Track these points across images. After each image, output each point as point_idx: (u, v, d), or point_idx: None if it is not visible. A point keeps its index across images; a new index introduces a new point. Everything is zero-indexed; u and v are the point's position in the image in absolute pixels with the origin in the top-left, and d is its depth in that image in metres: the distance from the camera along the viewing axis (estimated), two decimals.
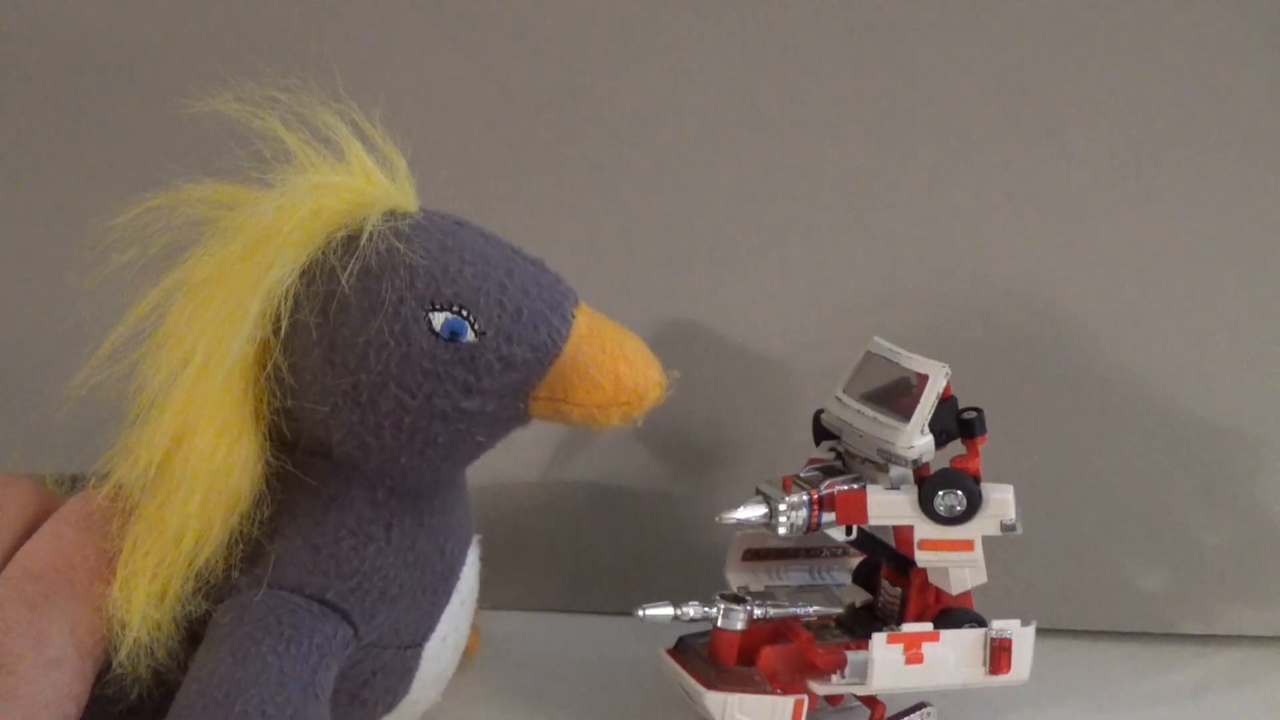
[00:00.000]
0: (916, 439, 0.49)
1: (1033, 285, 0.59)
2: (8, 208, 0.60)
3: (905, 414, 0.49)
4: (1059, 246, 0.59)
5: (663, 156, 0.59)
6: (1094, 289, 0.59)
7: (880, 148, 0.59)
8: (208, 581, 0.43)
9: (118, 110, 0.58)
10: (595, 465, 0.62)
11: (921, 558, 0.50)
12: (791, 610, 0.52)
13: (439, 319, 0.41)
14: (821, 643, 0.52)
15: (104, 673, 0.43)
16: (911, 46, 0.58)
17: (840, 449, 0.52)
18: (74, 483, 0.47)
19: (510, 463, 0.61)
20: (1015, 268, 0.59)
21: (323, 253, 0.42)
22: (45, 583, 0.42)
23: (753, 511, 0.50)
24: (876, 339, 0.52)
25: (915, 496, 0.50)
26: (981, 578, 0.51)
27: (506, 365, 0.42)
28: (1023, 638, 0.50)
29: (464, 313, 0.42)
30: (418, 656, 0.46)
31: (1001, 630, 0.50)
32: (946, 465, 0.50)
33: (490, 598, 0.59)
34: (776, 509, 0.50)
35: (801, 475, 0.51)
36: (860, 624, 0.53)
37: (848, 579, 0.56)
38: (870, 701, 0.52)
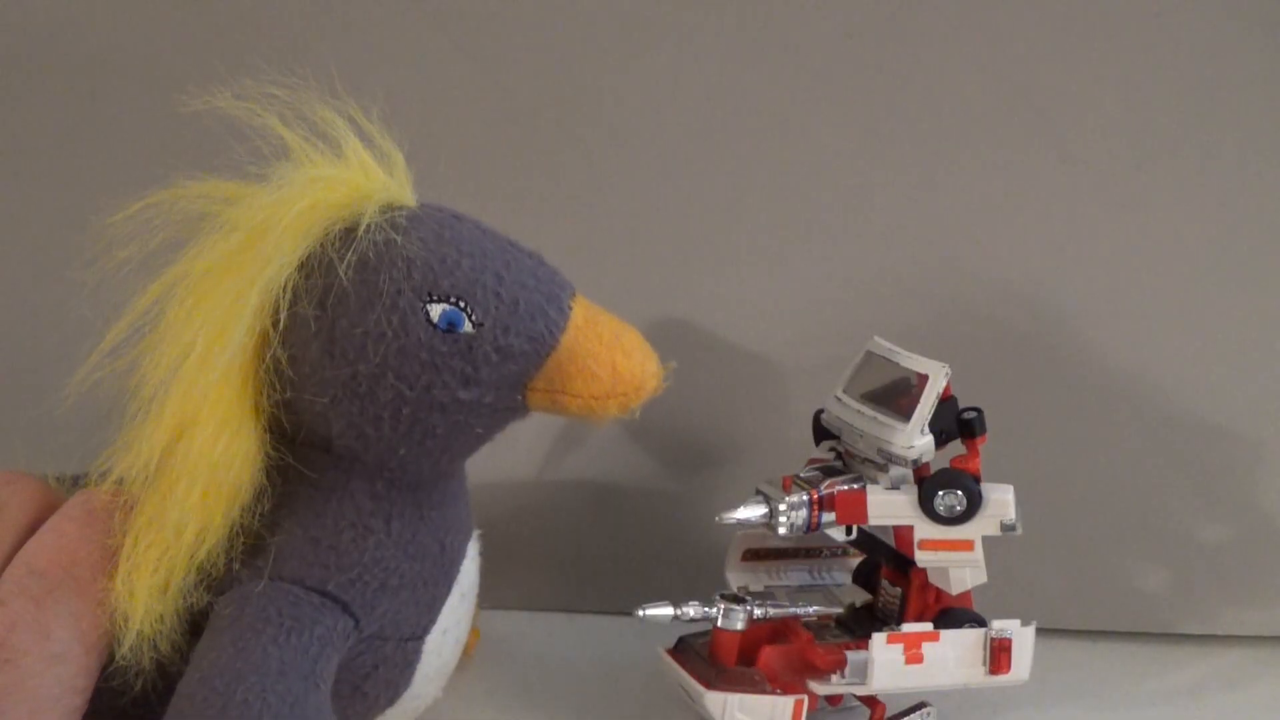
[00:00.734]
0: (916, 439, 0.49)
1: (1033, 285, 0.59)
2: (8, 206, 0.60)
3: (905, 414, 0.49)
4: (1059, 246, 0.59)
5: (662, 155, 0.59)
6: (1094, 289, 0.59)
7: (880, 148, 0.59)
8: (209, 574, 0.43)
9: (117, 108, 0.58)
10: (595, 465, 0.62)
11: (921, 558, 0.50)
12: (791, 610, 0.52)
13: (436, 310, 0.42)
14: (821, 643, 0.52)
15: (108, 666, 0.43)
16: (910, 47, 0.58)
17: (840, 449, 0.52)
18: (75, 482, 0.47)
19: (510, 462, 0.61)
20: (1015, 267, 0.59)
21: (321, 245, 0.42)
22: (49, 579, 0.42)
23: (753, 511, 0.50)
24: (876, 339, 0.52)
25: (915, 496, 0.50)
26: (981, 578, 0.51)
27: (504, 356, 0.42)
28: (1023, 638, 0.50)
29: (461, 304, 0.42)
30: (419, 650, 0.46)
31: (1001, 630, 0.50)
32: (946, 465, 0.50)
33: (490, 597, 0.59)
34: (776, 509, 0.50)
35: (801, 475, 0.51)
36: (860, 624, 0.53)
37: (848, 579, 0.56)
38: (870, 701, 0.52)
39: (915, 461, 0.50)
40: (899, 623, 0.52)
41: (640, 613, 0.50)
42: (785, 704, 0.49)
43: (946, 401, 0.50)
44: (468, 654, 0.57)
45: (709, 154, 0.59)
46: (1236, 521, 0.61)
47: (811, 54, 0.58)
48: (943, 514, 0.50)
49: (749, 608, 0.51)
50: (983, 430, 0.50)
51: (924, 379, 0.50)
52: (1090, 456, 0.60)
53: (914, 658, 0.50)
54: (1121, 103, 0.58)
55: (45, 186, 0.59)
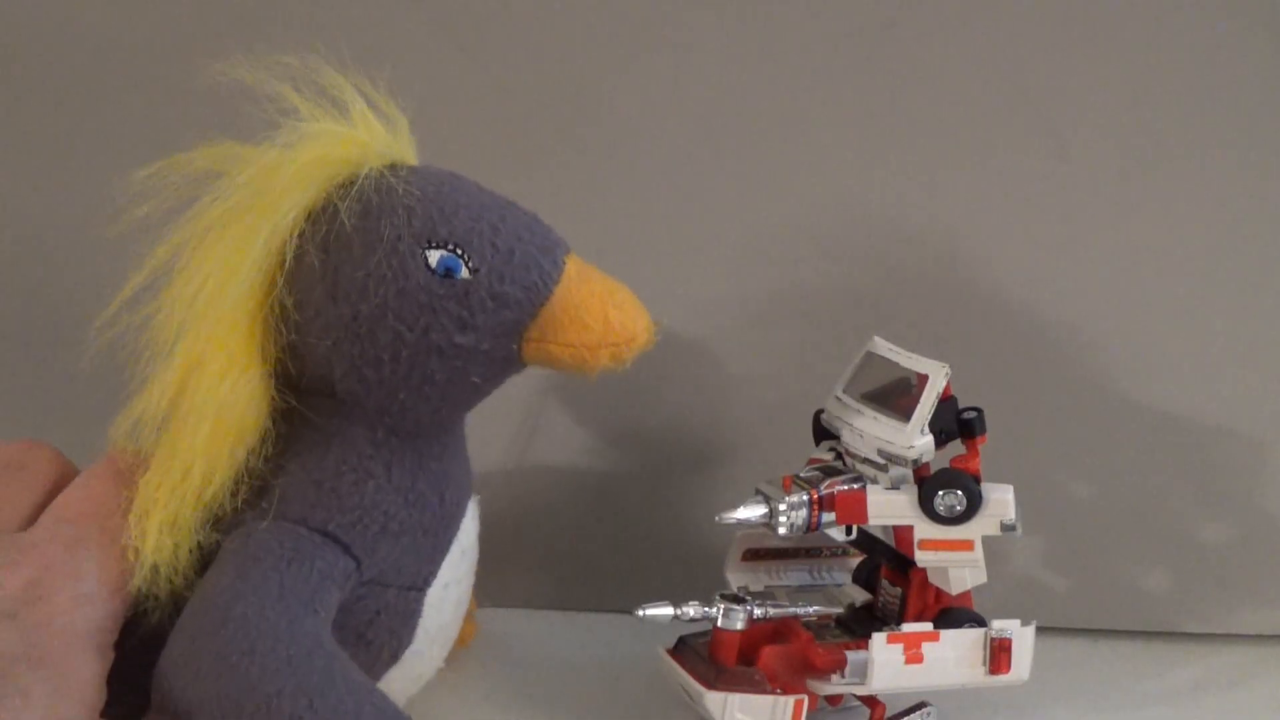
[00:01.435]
0: (916, 439, 0.49)
1: (1033, 285, 0.59)
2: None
3: (905, 414, 0.49)
4: (1059, 246, 0.59)
5: (661, 154, 0.59)
6: (1094, 288, 0.59)
7: (879, 147, 0.59)
8: (217, 514, 0.44)
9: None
10: (595, 464, 0.62)
11: (921, 558, 0.50)
12: (791, 610, 0.52)
13: (434, 256, 0.43)
14: (821, 643, 0.52)
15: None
16: (910, 46, 0.58)
17: (840, 449, 0.52)
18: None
19: (510, 461, 0.61)
20: (1015, 267, 0.59)
21: (326, 195, 0.44)
22: (78, 527, 0.44)
23: (753, 511, 0.50)
24: (876, 339, 0.52)
25: (915, 496, 0.50)
26: (981, 578, 0.51)
27: (499, 303, 0.44)
28: (1023, 638, 0.50)
29: (458, 250, 0.44)
30: (420, 601, 0.47)
31: (1001, 630, 0.50)
32: (946, 465, 0.50)
33: (490, 596, 0.59)
34: (776, 509, 0.50)
35: (801, 475, 0.51)
36: (860, 624, 0.53)
37: (848, 579, 0.56)
38: (870, 701, 0.52)
39: (915, 461, 0.50)
40: (899, 623, 0.52)
41: (640, 613, 0.50)
42: (785, 704, 0.49)
43: (946, 401, 0.50)
44: (464, 644, 0.57)
45: (708, 153, 0.59)
46: (1237, 521, 0.61)
47: (811, 54, 0.58)
48: (943, 514, 0.50)
49: (749, 608, 0.51)
50: (983, 430, 0.50)
51: (924, 379, 0.50)
52: (1090, 456, 0.60)
53: (914, 658, 0.50)
54: (1122, 103, 0.58)
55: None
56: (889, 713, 0.52)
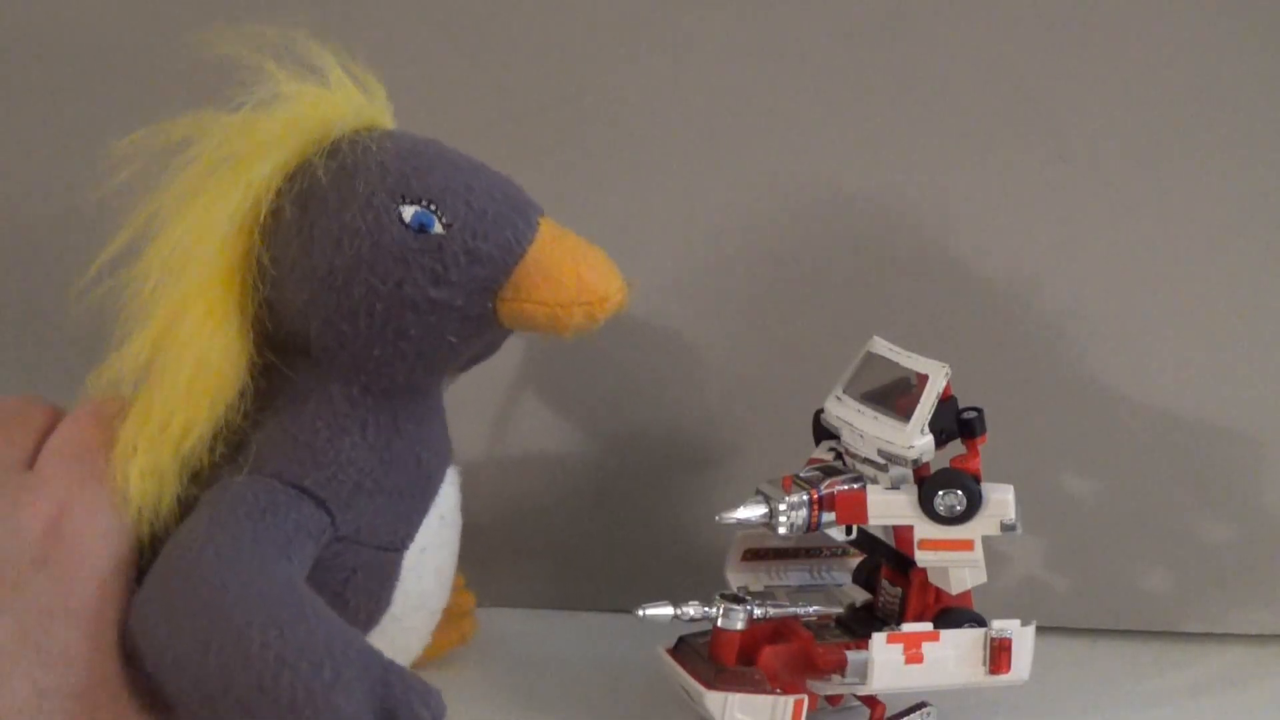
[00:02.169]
0: (916, 439, 0.49)
1: (1033, 285, 0.59)
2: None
3: (905, 414, 0.49)
4: (1059, 245, 0.59)
5: (660, 153, 0.59)
6: (1095, 288, 0.59)
7: (879, 147, 0.59)
8: (195, 470, 0.45)
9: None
10: (595, 464, 0.62)
11: (921, 558, 0.50)
12: (791, 610, 0.52)
13: (409, 211, 0.44)
14: (821, 643, 0.52)
15: None
16: (910, 46, 0.58)
17: (840, 449, 0.52)
18: None
19: (511, 459, 0.61)
20: (1015, 267, 0.59)
21: (302, 153, 0.45)
22: (83, 464, 0.44)
23: (753, 511, 0.50)
24: (876, 339, 0.52)
25: (915, 496, 0.50)
26: (981, 578, 0.51)
27: (472, 259, 0.45)
28: (1023, 638, 0.50)
29: (432, 206, 0.44)
30: (396, 564, 0.48)
31: (1001, 630, 0.50)
32: (946, 465, 0.50)
33: (490, 595, 0.59)
34: (776, 509, 0.50)
35: (801, 475, 0.51)
36: (860, 624, 0.53)
37: (848, 579, 0.56)
38: (870, 701, 0.52)
39: (915, 461, 0.50)
40: (899, 623, 0.52)
41: (640, 612, 0.50)
42: (785, 704, 0.49)
43: (946, 401, 0.50)
44: (463, 642, 0.57)
45: (709, 156, 0.59)
46: (1238, 520, 0.61)
47: (812, 52, 0.58)
48: (943, 514, 0.50)
49: (749, 608, 0.51)
50: (983, 430, 0.50)
51: (924, 379, 0.50)
52: (1090, 456, 0.60)
53: (914, 658, 0.50)
54: (1122, 102, 0.58)
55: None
56: (889, 713, 0.52)
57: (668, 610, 0.50)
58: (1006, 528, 0.50)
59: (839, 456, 0.52)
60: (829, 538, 0.55)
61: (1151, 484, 0.60)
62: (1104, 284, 0.59)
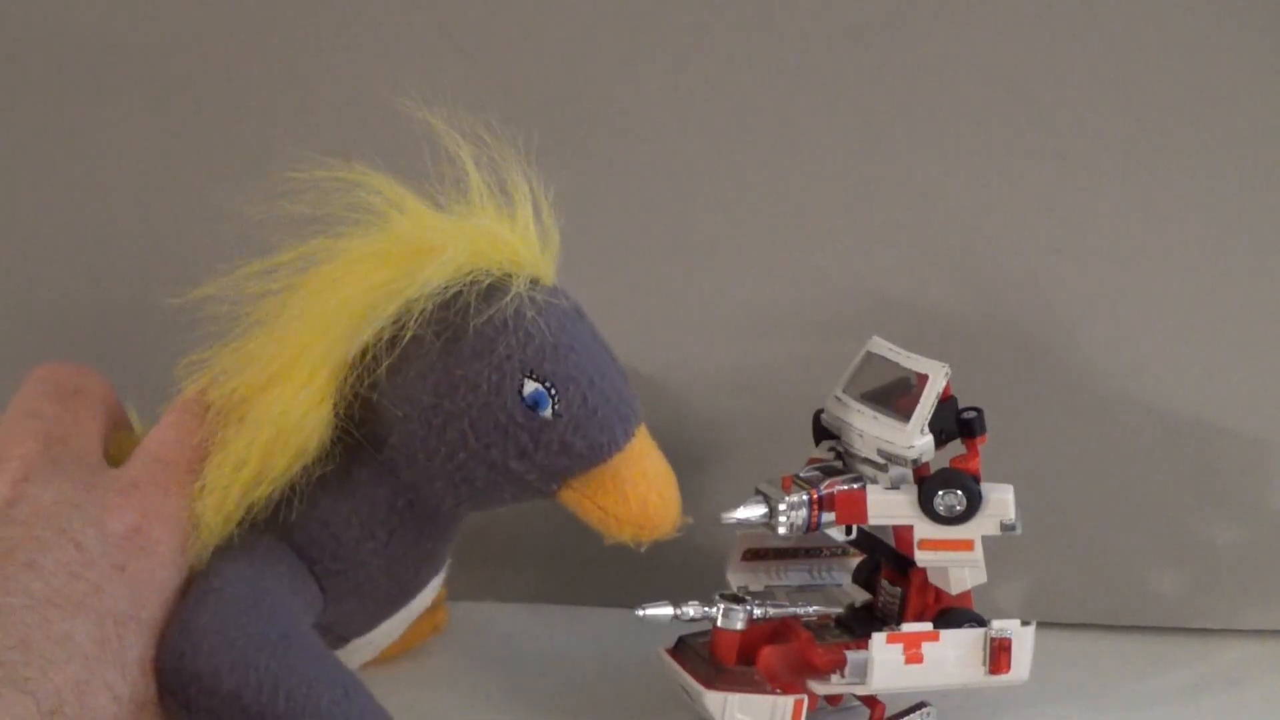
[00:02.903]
0: (916, 439, 0.49)
1: (1033, 284, 0.59)
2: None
3: (905, 414, 0.49)
4: (1060, 245, 0.59)
5: (661, 154, 0.59)
6: (1094, 288, 0.59)
7: (877, 147, 0.59)
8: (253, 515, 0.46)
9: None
10: None
11: (921, 558, 0.50)
12: (791, 610, 0.52)
13: (530, 387, 0.45)
14: (821, 643, 0.52)
15: None
16: (910, 46, 0.58)
17: (840, 449, 0.52)
18: None
19: None
20: (1016, 267, 0.59)
21: (462, 285, 0.45)
22: (173, 468, 0.44)
23: (753, 511, 0.50)
24: (876, 338, 0.52)
25: (915, 496, 0.50)
26: (981, 578, 0.51)
27: (563, 450, 0.46)
28: (1023, 637, 0.50)
29: (553, 391, 0.46)
30: (342, 648, 0.50)
31: (1001, 630, 0.50)
32: (946, 465, 0.50)
33: (491, 591, 0.59)
34: (776, 509, 0.50)
35: (801, 475, 0.51)
36: (860, 624, 0.53)
37: (848, 579, 0.56)
38: (870, 701, 0.52)
39: (915, 461, 0.50)
40: (899, 623, 0.52)
41: (640, 613, 0.50)
42: (785, 704, 0.49)
43: (946, 401, 0.50)
44: (436, 632, 0.58)
45: (708, 153, 0.59)
46: (1239, 517, 0.60)
47: (811, 54, 0.58)
48: (942, 514, 0.50)
49: (749, 608, 0.51)
50: (983, 430, 0.50)
51: (924, 379, 0.50)
52: (1091, 455, 0.60)
53: (914, 657, 0.50)
54: (1121, 103, 0.58)
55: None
56: (889, 713, 0.52)
57: (667, 610, 0.50)
58: (1006, 528, 0.50)
59: (839, 456, 0.52)
60: (829, 538, 0.55)
61: (1152, 482, 0.60)
62: (1104, 284, 0.59)
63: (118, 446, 0.48)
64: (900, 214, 0.59)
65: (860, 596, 0.55)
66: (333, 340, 0.44)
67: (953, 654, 0.50)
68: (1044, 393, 0.60)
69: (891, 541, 0.53)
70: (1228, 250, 0.58)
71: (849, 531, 0.55)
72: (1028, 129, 0.58)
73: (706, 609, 0.51)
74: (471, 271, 0.45)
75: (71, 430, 0.45)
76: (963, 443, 0.50)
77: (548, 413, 0.45)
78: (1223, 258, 0.58)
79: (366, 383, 0.45)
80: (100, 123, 0.60)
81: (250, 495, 0.44)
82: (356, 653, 0.50)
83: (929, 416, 0.49)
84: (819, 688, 0.51)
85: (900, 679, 0.50)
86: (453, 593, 0.58)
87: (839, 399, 0.52)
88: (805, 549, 0.56)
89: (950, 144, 0.58)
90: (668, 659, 0.52)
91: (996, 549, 0.51)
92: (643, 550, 0.48)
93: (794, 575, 0.56)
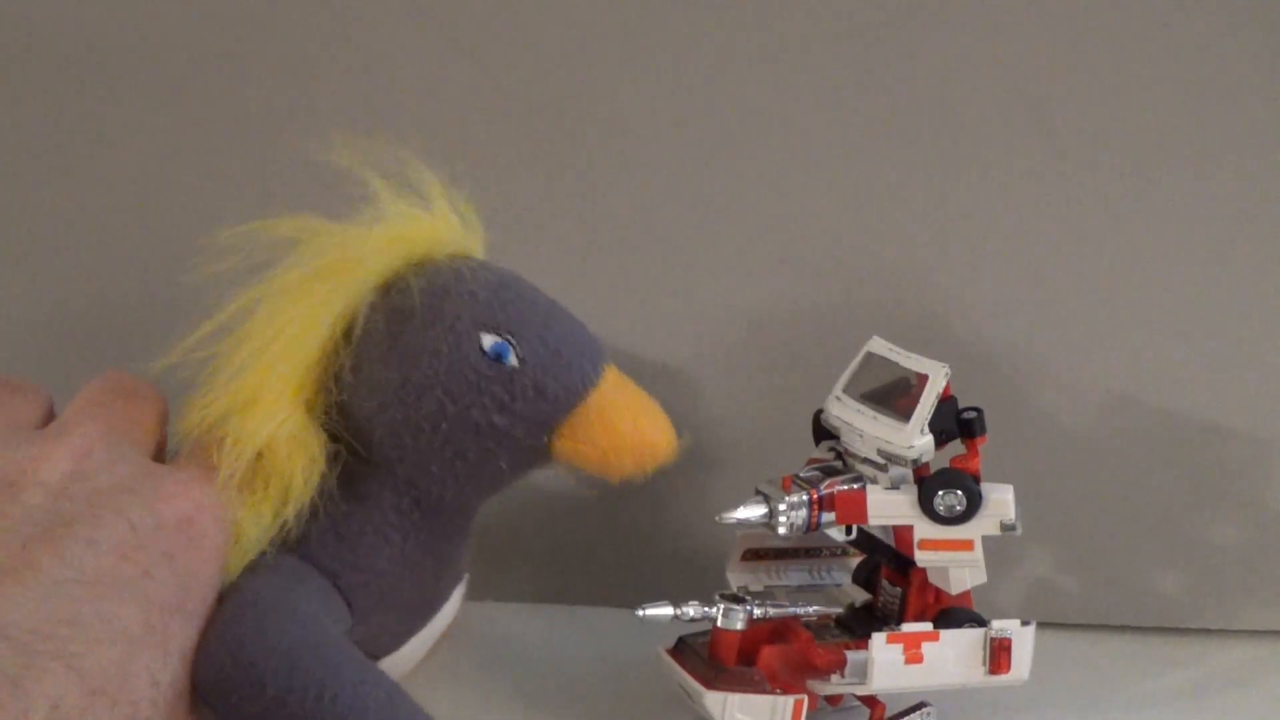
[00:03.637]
0: (916, 439, 0.49)
1: (1033, 284, 0.59)
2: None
3: (905, 414, 0.49)
4: (1059, 245, 0.59)
5: (660, 155, 0.59)
6: (1093, 288, 0.59)
7: (878, 147, 0.59)
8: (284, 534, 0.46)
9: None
10: None
11: (921, 558, 0.50)
12: (791, 610, 0.52)
13: (489, 340, 0.46)
14: (821, 643, 0.52)
15: None
16: (909, 47, 0.58)
17: (840, 449, 0.52)
18: None
19: None
20: (1015, 267, 0.59)
21: (399, 270, 0.47)
22: (217, 472, 0.44)
23: (753, 511, 0.50)
24: (876, 338, 0.52)
25: (915, 496, 0.50)
26: (981, 578, 0.51)
27: (539, 394, 0.46)
28: (1023, 637, 0.50)
29: (511, 339, 0.46)
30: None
31: (1001, 630, 0.50)
32: (946, 465, 0.50)
33: (491, 590, 0.59)
34: (776, 509, 0.50)
35: (801, 475, 0.51)
36: (860, 624, 0.53)
37: (848, 579, 0.56)
38: (870, 701, 0.52)
39: (915, 461, 0.50)
40: (899, 623, 0.52)
41: (640, 613, 0.50)
42: (785, 704, 0.49)
43: (946, 401, 0.50)
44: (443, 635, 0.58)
45: (710, 156, 0.59)
46: (1243, 516, 0.61)
47: (811, 54, 0.58)
48: (942, 514, 0.50)
49: (749, 608, 0.51)
50: (983, 430, 0.50)
51: (924, 379, 0.50)
52: (1091, 455, 0.60)
53: (914, 657, 0.50)
54: (1121, 103, 0.58)
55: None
56: (889, 713, 0.52)
57: (667, 610, 0.50)
58: (1006, 528, 0.50)
59: (839, 456, 0.52)
60: (829, 538, 0.55)
61: (1152, 482, 0.60)
62: (1104, 284, 0.59)
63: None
64: (900, 214, 0.59)
65: (860, 596, 0.55)
66: (291, 363, 0.45)
67: (953, 654, 0.50)
68: (1044, 393, 0.60)
69: (891, 541, 0.53)
70: (1228, 250, 0.58)
71: (849, 531, 0.55)
72: (1028, 129, 0.58)
73: (706, 609, 0.51)
74: (404, 255, 0.47)
75: (131, 425, 0.45)
76: (963, 443, 0.50)
77: (513, 360, 0.46)
78: (1223, 258, 0.58)
79: (337, 393, 0.46)
80: (100, 123, 0.60)
81: (282, 513, 0.45)
82: (394, 669, 0.50)
83: (929, 416, 0.49)
84: (819, 688, 0.51)
85: (900, 679, 0.50)
86: None
87: (839, 399, 0.52)
88: (805, 549, 0.56)
89: (950, 144, 0.58)
90: (667, 659, 0.52)
91: (996, 549, 0.51)
92: (648, 471, 0.48)
93: (794, 575, 0.56)
